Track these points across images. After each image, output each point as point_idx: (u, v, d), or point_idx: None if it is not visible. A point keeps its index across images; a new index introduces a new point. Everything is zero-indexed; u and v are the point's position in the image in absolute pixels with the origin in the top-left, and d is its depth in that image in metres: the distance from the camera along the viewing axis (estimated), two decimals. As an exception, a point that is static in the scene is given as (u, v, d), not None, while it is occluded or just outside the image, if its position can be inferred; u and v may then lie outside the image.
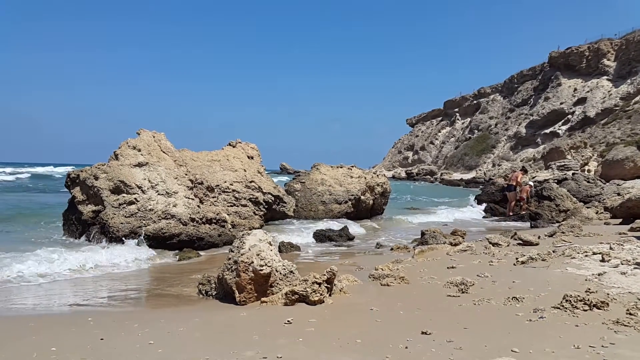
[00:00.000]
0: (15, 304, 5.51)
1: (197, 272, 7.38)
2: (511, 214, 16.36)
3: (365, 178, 15.96)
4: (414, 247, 9.51)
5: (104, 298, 5.83)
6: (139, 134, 11.34)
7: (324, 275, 5.44)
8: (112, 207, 9.83)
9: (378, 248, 10.04)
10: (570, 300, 4.42)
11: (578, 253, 7.18)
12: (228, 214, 11.38)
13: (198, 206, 10.75)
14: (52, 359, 3.32)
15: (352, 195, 14.93)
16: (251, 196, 12.06)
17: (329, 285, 5.53)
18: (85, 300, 5.71)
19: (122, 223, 9.63)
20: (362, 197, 15.38)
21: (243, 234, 6.19)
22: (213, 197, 11.59)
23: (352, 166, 16.41)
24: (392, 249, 9.63)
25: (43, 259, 7.40)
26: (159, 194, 10.30)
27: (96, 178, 10.20)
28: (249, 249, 5.78)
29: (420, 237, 10.32)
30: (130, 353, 3.44)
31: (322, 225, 12.23)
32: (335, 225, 12.10)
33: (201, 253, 9.67)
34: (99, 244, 9.29)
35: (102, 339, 3.76)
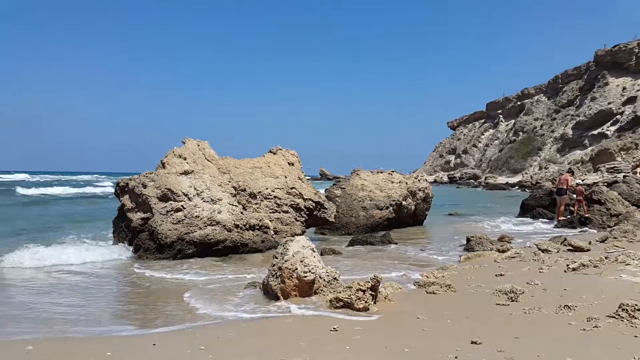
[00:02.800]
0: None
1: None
2: (561, 218, 15.79)
3: (406, 183, 15.80)
4: (459, 254, 9.33)
5: (154, 303, 6.01)
6: (184, 143, 11.66)
7: (368, 282, 5.42)
8: (160, 214, 10.13)
9: (422, 254, 9.91)
10: (627, 310, 4.23)
11: (633, 259, 6.87)
12: (270, 220, 11.52)
13: (241, 213, 10.93)
14: (109, 363, 3.46)
15: (393, 200, 14.81)
16: (292, 202, 12.16)
17: (373, 293, 5.51)
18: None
19: (169, 230, 9.91)
20: (404, 203, 15.23)
21: (286, 241, 6.27)
22: (255, 204, 11.76)
23: (392, 171, 16.27)
24: (436, 256, 9.49)
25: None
26: (204, 201, 10.54)
27: (144, 186, 10.54)
28: (293, 256, 5.85)
29: (465, 243, 10.11)
30: (182, 358, 3.54)
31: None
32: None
33: (245, 258, 9.82)
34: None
35: (154, 344, 3.89)
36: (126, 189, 10.89)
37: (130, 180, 10.88)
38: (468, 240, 10.02)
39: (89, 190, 37.29)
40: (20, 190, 33.06)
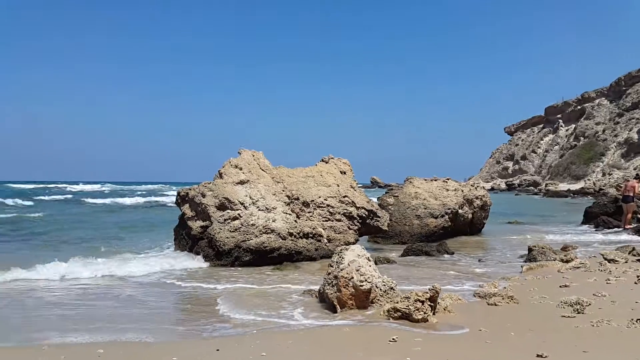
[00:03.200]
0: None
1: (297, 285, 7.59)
2: (628, 226, 14.92)
3: (462, 191, 15.46)
4: (520, 264, 9.01)
5: (214, 309, 6.19)
6: (240, 154, 11.99)
7: (427, 292, 5.34)
8: (218, 222, 10.44)
9: (480, 264, 9.64)
10: None
11: None
12: (323, 229, 11.60)
13: (295, 221, 11.08)
14: (176, 366, 3.60)
15: (449, 209, 14.51)
16: (345, 211, 12.18)
17: (432, 304, 5.42)
18: (198, 311, 6.10)
19: (227, 237, 10.19)
20: (460, 211, 14.89)
21: (341, 249, 6.29)
22: (309, 212, 11.87)
23: (447, 179, 15.96)
24: (496, 266, 9.21)
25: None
26: (259, 210, 10.78)
27: (203, 195, 10.91)
28: (349, 264, 5.86)
29: (527, 253, 9.74)
30: (244, 363, 3.62)
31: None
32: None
33: (299, 266, 9.93)
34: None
35: (218, 350, 4.01)
36: (186, 198, 11.30)
37: (190, 189, 11.28)
38: (530, 250, 9.65)
39: (153, 199, 38.63)
40: (90, 199, 34.91)
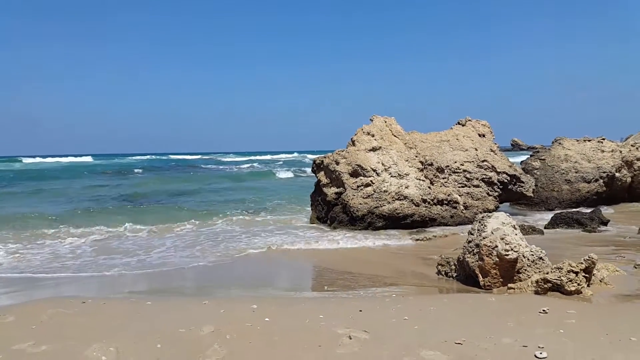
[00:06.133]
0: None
1: (433, 253, 7.47)
2: None
3: (620, 152, 13.71)
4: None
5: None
6: (372, 120, 11.96)
7: (581, 263, 4.89)
8: (352, 189, 10.64)
9: (641, 234, 8.54)
10: None
11: None
12: (459, 195, 11.18)
13: (429, 187, 10.83)
14: (322, 325, 3.78)
15: (604, 172, 13.01)
16: (484, 176, 11.57)
17: (587, 275, 4.95)
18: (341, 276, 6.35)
19: (360, 204, 10.36)
20: (617, 175, 13.26)
21: (483, 217, 5.99)
22: (443, 178, 11.51)
23: (602, 138, 14.25)
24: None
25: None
26: (392, 176, 10.72)
27: (337, 163, 11.16)
28: (492, 233, 5.56)
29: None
30: (388, 326, 3.68)
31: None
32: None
33: (434, 233, 9.74)
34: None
35: (360, 311, 4.12)
36: (321, 166, 11.66)
37: (324, 157, 11.61)
38: None
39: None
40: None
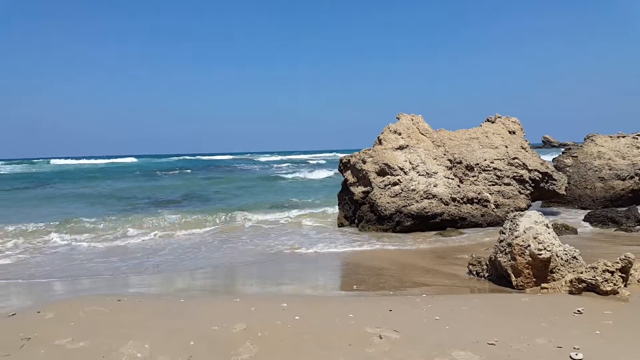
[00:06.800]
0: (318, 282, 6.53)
1: (463, 252, 7.38)
2: None
3: (657, 148, 13.24)
4: None
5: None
6: (398, 119, 11.87)
7: (617, 262, 4.76)
8: (379, 188, 10.59)
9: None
10: None
11: None
12: (490, 194, 10.99)
13: (458, 186, 10.69)
14: (351, 324, 3.79)
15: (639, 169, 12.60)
16: (515, 174, 11.35)
17: (623, 275, 4.82)
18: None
19: (388, 202, 10.30)
20: (654, 172, 12.82)
21: (514, 215, 5.89)
22: (473, 176, 11.34)
23: (638, 134, 13.79)
24: None
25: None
26: (419, 175, 10.63)
27: (364, 162, 11.12)
28: (524, 232, 5.46)
29: None
30: (419, 326, 3.66)
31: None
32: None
33: (464, 232, 9.62)
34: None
35: (390, 310, 4.11)
36: (348, 165, 11.65)
37: (351, 157, 11.59)
38: None
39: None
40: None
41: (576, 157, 13.26)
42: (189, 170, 37.13)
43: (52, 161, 60.69)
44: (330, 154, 74.12)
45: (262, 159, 66.04)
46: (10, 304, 5.21)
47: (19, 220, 11.32)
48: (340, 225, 11.17)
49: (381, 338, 3.38)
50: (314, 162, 51.65)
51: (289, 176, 29.27)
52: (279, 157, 68.55)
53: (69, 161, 60.78)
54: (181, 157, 77.57)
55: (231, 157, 76.76)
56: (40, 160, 67.68)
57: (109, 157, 78.89)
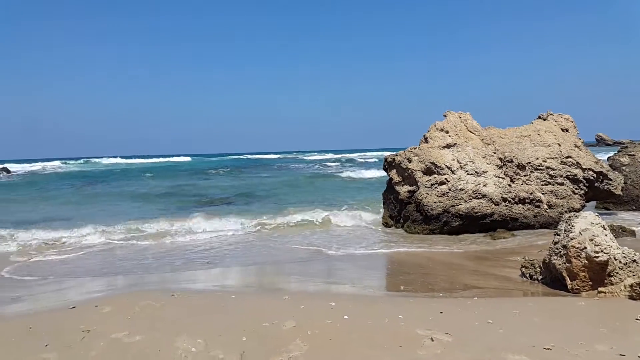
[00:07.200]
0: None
1: (515, 254, 7.18)
2: None
3: None
4: None
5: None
6: (445, 116, 11.66)
7: (684, 267, 4.51)
8: (425, 187, 10.44)
9: None
10: None
11: None
12: (543, 194, 10.62)
13: (509, 185, 10.39)
14: (401, 325, 3.77)
15: None
16: (568, 173, 10.91)
17: (691, 280, 4.56)
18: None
19: (434, 202, 10.14)
20: None
21: (570, 216, 5.68)
22: (525, 176, 10.98)
23: None
24: None
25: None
26: (468, 174, 10.40)
27: (409, 161, 10.99)
28: (580, 233, 5.26)
29: None
30: (471, 329, 3.59)
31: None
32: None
33: (515, 234, 9.36)
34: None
35: (441, 313, 4.06)
36: (393, 164, 11.55)
37: (396, 155, 11.49)
38: None
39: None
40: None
41: (633, 155, 12.62)
42: (241, 170, 37.81)
43: (102, 160, 63.23)
44: (379, 153, 73.48)
45: (309, 157, 66.39)
46: (70, 297, 5.49)
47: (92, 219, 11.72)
48: (385, 224, 11.10)
49: (433, 340, 3.35)
50: (362, 160, 51.49)
51: (342, 174, 29.05)
52: (329, 155, 68.69)
53: (118, 160, 63.35)
54: (226, 157, 79.08)
55: (276, 156, 77.67)
56: (92, 158, 70.55)
57: (160, 156, 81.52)
